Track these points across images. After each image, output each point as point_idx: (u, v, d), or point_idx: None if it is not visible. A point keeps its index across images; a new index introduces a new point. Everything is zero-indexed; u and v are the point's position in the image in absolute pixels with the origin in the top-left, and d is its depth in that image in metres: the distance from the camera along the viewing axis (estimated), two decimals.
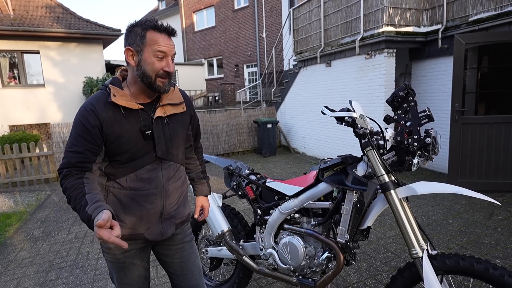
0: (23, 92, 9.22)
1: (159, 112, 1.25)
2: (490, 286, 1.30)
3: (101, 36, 9.70)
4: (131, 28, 1.17)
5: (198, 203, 1.62)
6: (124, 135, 1.18)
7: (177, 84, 1.40)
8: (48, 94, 9.53)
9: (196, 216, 1.62)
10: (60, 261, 3.01)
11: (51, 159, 6.21)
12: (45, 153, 6.15)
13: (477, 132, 4.34)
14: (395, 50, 5.36)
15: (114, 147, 1.18)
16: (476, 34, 4.36)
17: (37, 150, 6.26)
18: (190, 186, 1.68)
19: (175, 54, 1.21)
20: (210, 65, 17.23)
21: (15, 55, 9.14)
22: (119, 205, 1.24)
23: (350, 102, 1.54)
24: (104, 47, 10.74)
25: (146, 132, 1.21)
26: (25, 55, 9.28)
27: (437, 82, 5.36)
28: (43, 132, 9.65)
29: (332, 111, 1.52)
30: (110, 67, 11.22)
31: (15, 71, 9.26)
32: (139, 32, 1.15)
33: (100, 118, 1.15)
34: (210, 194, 1.68)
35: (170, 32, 1.19)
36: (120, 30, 9.97)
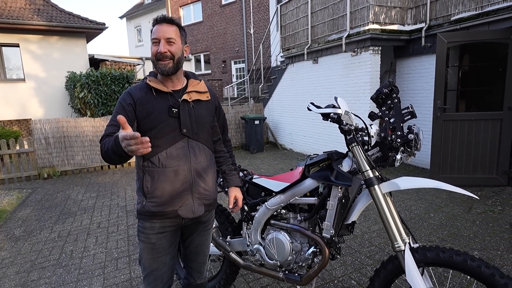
0: (2, 87, 8.89)
1: (185, 97, 1.43)
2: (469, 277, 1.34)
3: (84, 29, 9.44)
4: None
5: (232, 194, 1.71)
6: (153, 112, 1.36)
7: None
8: (28, 89, 9.22)
9: (230, 206, 1.71)
10: (42, 260, 2.94)
11: (32, 157, 6.02)
12: (26, 150, 5.96)
13: (457, 128, 4.48)
14: (380, 48, 5.44)
15: (146, 122, 1.36)
16: (458, 33, 4.48)
17: (18, 147, 6.05)
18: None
19: (169, 38, 1.34)
20: (198, 60, 17.05)
21: None
22: (153, 182, 1.37)
23: (336, 98, 1.56)
24: (87, 41, 10.46)
25: (173, 109, 1.38)
26: (3, 48, 8.94)
27: (420, 80, 5.48)
28: (24, 128, 9.35)
29: (318, 107, 1.54)
30: (94, 62, 10.93)
31: None
32: (150, 30, 1.39)
33: (134, 98, 1.37)
34: (241, 185, 1.75)
35: (163, 20, 1.36)
36: (104, 24, 9.72)
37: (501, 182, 4.38)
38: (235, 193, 1.71)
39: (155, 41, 1.35)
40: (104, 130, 1.37)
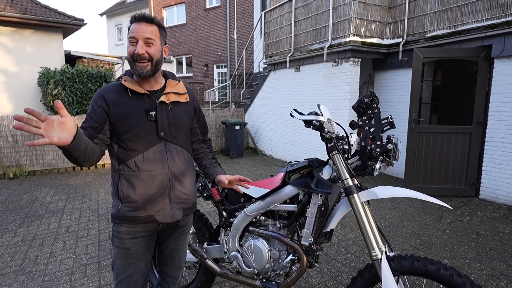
0: None
1: (163, 98, 1.38)
2: (441, 285, 1.37)
3: (61, 24, 9.07)
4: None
5: (222, 178, 1.52)
6: (129, 115, 1.31)
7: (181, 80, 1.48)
8: None
9: (232, 186, 1.52)
10: (3, 266, 2.74)
11: None
12: None
13: (430, 140, 4.67)
14: (360, 60, 5.60)
15: (120, 126, 1.30)
16: (433, 49, 4.70)
17: None
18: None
19: (148, 38, 1.28)
20: (179, 63, 16.85)
21: None
22: (130, 186, 1.33)
23: (319, 106, 1.57)
24: (64, 37, 10.06)
25: (151, 113, 1.33)
26: None
27: (397, 92, 5.68)
28: None
29: (301, 114, 1.54)
30: (71, 58, 10.51)
31: None
32: (128, 27, 1.32)
33: (107, 100, 1.31)
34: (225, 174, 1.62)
35: (141, 19, 1.28)
36: (83, 20, 9.39)
37: (469, 193, 4.59)
38: (225, 176, 1.53)
39: (133, 41, 1.28)
40: None
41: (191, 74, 16.06)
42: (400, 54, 5.42)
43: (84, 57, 10.52)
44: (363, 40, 5.56)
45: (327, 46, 5.87)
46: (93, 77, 7.72)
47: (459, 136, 4.58)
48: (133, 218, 1.34)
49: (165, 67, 16.60)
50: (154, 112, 1.34)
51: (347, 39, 5.50)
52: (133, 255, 1.40)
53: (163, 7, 16.61)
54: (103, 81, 7.82)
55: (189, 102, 1.48)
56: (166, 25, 16.75)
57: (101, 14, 21.23)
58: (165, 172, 1.37)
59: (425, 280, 2.46)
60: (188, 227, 1.58)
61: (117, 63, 12.54)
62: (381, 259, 1.42)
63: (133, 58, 1.28)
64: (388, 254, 1.46)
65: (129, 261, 1.40)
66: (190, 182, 1.47)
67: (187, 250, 2.04)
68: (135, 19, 1.30)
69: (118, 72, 12.18)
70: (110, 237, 1.39)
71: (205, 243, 2.00)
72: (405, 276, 2.47)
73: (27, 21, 8.51)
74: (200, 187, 2.03)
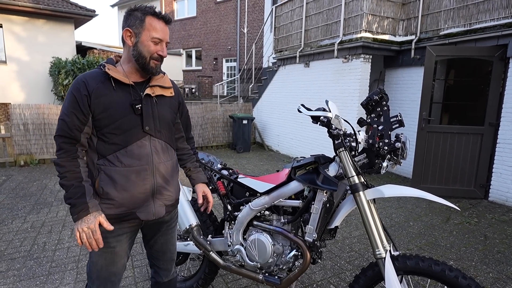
0: None
1: (148, 91, 1.33)
2: (445, 286, 1.36)
3: (73, 15, 9.15)
4: (131, 11, 1.28)
5: (200, 190, 1.63)
6: (112, 106, 1.25)
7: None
8: (10, 72, 8.85)
9: (200, 202, 1.61)
10: (12, 251, 2.81)
11: (9, 142, 5.78)
12: (2, 135, 5.72)
13: (440, 140, 4.59)
14: (371, 56, 5.52)
15: (102, 118, 1.24)
16: (446, 47, 4.60)
17: None
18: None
19: (168, 42, 1.33)
20: (189, 56, 16.86)
21: None
22: (110, 182, 1.27)
23: (327, 102, 1.55)
24: (76, 27, 10.15)
25: (136, 106, 1.28)
26: None
27: (407, 91, 5.60)
28: (2, 112, 8.98)
29: (309, 109, 1.53)
30: (82, 49, 10.61)
31: None
32: (139, 16, 1.26)
33: (89, 89, 1.23)
34: (207, 181, 1.69)
35: (167, 20, 1.30)
36: (94, 11, 9.45)
37: (478, 194, 4.52)
38: (203, 188, 1.63)
39: (157, 41, 1.27)
40: (58, 124, 1.25)
41: (200, 68, 16.07)
42: (413, 51, 5.32)
43: (95, 48, 10.61)
44: (375, 36, 5.47)
45: (337, 42, 5.79)
46: None
47: (470, 137, 4.49)
48: (113, 215, 1.30)
49: (174, 59, 16.66)
50: (140, 105, 1.29)
51: (359, 35, 5.42)
52: (119, 254, 1.36)
53: (174, 0, 16.59)
54: None
55: (174, 96, 1.45)
56: (176, 17, 16.76)
57: (113, 6, 21.32)
58: (149, 168, 1.32)
59: (429, 280, 2.44)
60: (174, 221, 1.56)
61: None
62: (385, 257, 1.41)
63: (153, 57, 1.28)
64: (392, 253, 1.45)
65: (115, 260, 1.36)
66: (175, 178, 1.45)
67: (191, 243, 2.06)
68: (159, 16, 1.27)
69: None
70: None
71: (209, 236, 2.01)
72: (409, 276, 2.46)
73: (39, 11, 8.61)
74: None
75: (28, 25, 8.92)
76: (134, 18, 1.26)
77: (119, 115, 1.25)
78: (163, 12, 1.28)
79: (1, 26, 8.59)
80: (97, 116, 1.24)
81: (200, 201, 1.61)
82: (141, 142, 1.30)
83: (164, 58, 1.33)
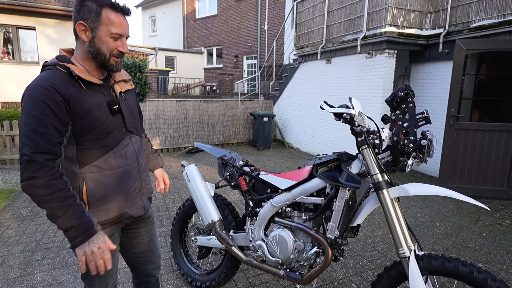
0: (17, 69, 9.02)
1: (118, 88, 1.28)
2: None
3: None
4: (84, 1, 1.13)
5: (159, 176, 1.67)
6: (92, 111, 1.15)
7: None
8: None
9: (160, 188, 1.66)
10: (47, 241, 2.99)
11: None
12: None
13: (470, 138, 4.39)
14: (396, 51, 5.35)
15: (85, 124, 1.13)
16: (477, 40, 4.38)
17: None
18: None
19: (129, 36, 1.23)
20: (210, 54, 17.05)
21: (10, 30, 8.92)
22: (103, 188, 1.20)
23: (350, 98, 1.54)
24: None
25: (114, 107, 1.22)
26: (20, 30, 9.05)
27: (435, 86, 5.39)
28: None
29: (331, 106, 1.52)
30: None
31: (10, 47, 9.04)
32: (94, 9, 1.12)
33: (64, 94, 1.08)
34: (162, 165, 1.73)
35: (126, 12, 1.18)
36: None
37: (511, 195, 4.29)
38: (162, 174, 1.69)
39: (116, 36, 1.16)
40: (27, 140, 1.03)
41: (221, 65, 16.21)
42: (441, 45, 5.11)
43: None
44: (400, 30, 5.30)
45: (361, 37, 5.66)
46: (129, 67, 8.04)
47: (503, 134, 4.26)
48: (107, 221, 1.25)
49: (195, 58, 16.91)
50: (117, 105, 1.24)
51: (383, 30, 5.27)
52: (113, 252, 1.32)
53: None
54: (137, 71, 8.13)
55: (134, 89, 1.43)
56: (197, 16, 16.97)
57: (137, 6, 21.91)
58: (136, 166, 1.33)
59: (455, 282, 2.36)
60: (153, 215, 1.56)
61: (151, 54, 12.94)
62: (409, 257, 1.39)
63: (113, 53, 1.18)
64: (417, 252, 1.42)
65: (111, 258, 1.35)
66: (147, 169, 1.48)
67: (213, 238, 2.11)
68: (117, 9, 1.15)
69: (152, 63, 12.57)
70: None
71: (231, 231, 2.05)
72: (434, 277, 2.39)
73: (69, 13, 8.99)
74: (228, 177, 2.07)
75: (59, 27, 9.36)
76: (88, 10, 1.12)
77: (101, 118, 1.18)
78: (124, 4, 1.17)
79: (34, 29, 9.06)
80: (78, 123, 1.12)
81: (160, 187, 1.66)
82: (125, 141, 1.28)
83: (125, 54, 1.23)
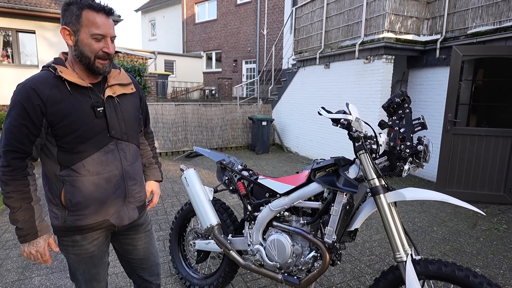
0: (16, 72, 9.04)
1: (109, 92, 1.23)
2: None
3: None
4: (67, 6, 1.13)
5: (148, 188, 1.59)
6: (72, 113, 1.13)
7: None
8: None
9: (147, 200, 1.57)
10: None
11: None
12: None
13: (467, 143, 4.43)
14: (393, 57, 5.40)
15: (62, 126, 1.13)
16: (474, 46, 4.43)
17: None
18: None
19: (114, 36, 1.19)
20: (209, 58, 17.13)
21: (10, 34, 8.95)
22: (79, 193, 1.19)
23: (347, 104, 1.56)
24: None
25: (98, 109, 1.18)
26: (20, 34, 9.09)
27: (432, 92, 5.43)
28: None
29: (329, 112, 1.54)
30: None
31: (9, 50, 9.07)
32: (75, 11, 1.11)
33: (42, 96, 1.10)
34: (162, 180, 1.67)
35: (107, 12, 1.15)
36: (119, 16, 9.82)
37: (508, 200, 4.31)
38: (153, 187, 1.59)
39: (99, 38, 1.13)
40: (3, 137, 1.11)
41: (220, 70, 16.28)
42: (438, 51, 5.16)
43: (120, 52, 11.01)
44: (398, 36, 5.35)
45: (359, 43, 5.71)
46: (128, 71, 8.08)
47: (500, 140, 4.30)
48: (85, 227, 1.22)
49: (194, 61, 16.98)
50: (102, 108, 1.19)
51: (381, 36, 5.32)
52: (98, 256, 1.33)
53: (195, 3, 16.93)
54: (137, 75, 8.16)
55: (134, 92, 1.36)
56: (197, 20, 17.08)
57: (137, 10, 22.03)
58: (119, 173, 1.26)
59: (452, 286, 2.37)
60: (149, 223, 1.51)
61: (150, 58, 12.99)
62: (406, 261, 1.40)
63: (98, 55, 1.15)
64: (414, 257, 1.43)
65: (96, 262, 1.33)
66: (142, 177, 1.40)
67: (212, 242, 2.11)
68: (97, 9, 1.12)
69: (151, 66, 12.61)
70: (61, 248, 1.31)
71: (230, 235, 2.06)
72: (431, 281, 2.40)
73: None
74: (227, 181, 2.09)
75: (59, 30, 9.40)
76: (70, 14, 1.11)
77: (82, 122, 1.15)
78: (105, 3, 1.15)
79: (34, 32, 9.10)
80: (56, 125, 1.12)
81: (147, 199, 1.58)
82: (108, 148, 1.22)
83: (111, 55, 1.19)
